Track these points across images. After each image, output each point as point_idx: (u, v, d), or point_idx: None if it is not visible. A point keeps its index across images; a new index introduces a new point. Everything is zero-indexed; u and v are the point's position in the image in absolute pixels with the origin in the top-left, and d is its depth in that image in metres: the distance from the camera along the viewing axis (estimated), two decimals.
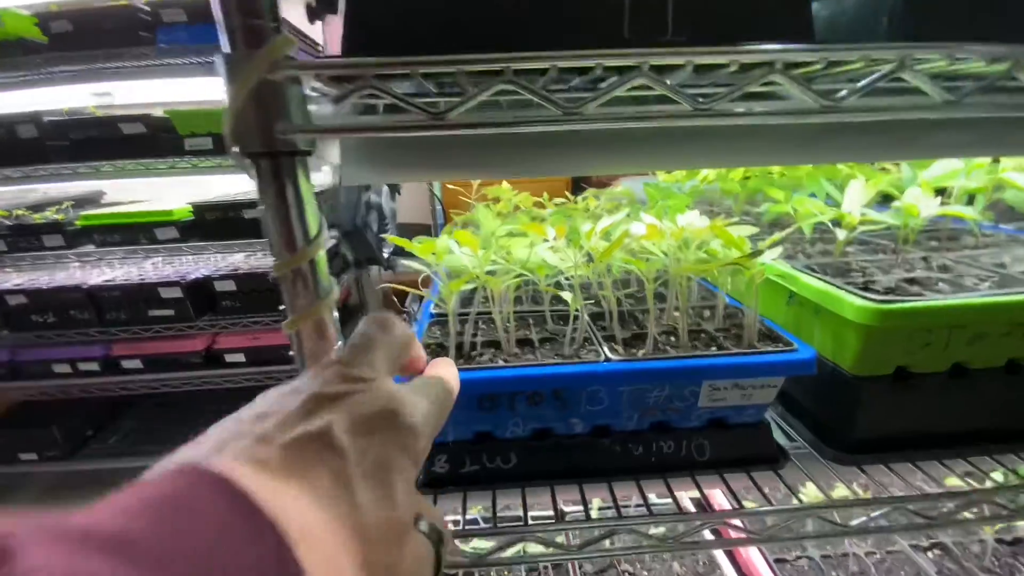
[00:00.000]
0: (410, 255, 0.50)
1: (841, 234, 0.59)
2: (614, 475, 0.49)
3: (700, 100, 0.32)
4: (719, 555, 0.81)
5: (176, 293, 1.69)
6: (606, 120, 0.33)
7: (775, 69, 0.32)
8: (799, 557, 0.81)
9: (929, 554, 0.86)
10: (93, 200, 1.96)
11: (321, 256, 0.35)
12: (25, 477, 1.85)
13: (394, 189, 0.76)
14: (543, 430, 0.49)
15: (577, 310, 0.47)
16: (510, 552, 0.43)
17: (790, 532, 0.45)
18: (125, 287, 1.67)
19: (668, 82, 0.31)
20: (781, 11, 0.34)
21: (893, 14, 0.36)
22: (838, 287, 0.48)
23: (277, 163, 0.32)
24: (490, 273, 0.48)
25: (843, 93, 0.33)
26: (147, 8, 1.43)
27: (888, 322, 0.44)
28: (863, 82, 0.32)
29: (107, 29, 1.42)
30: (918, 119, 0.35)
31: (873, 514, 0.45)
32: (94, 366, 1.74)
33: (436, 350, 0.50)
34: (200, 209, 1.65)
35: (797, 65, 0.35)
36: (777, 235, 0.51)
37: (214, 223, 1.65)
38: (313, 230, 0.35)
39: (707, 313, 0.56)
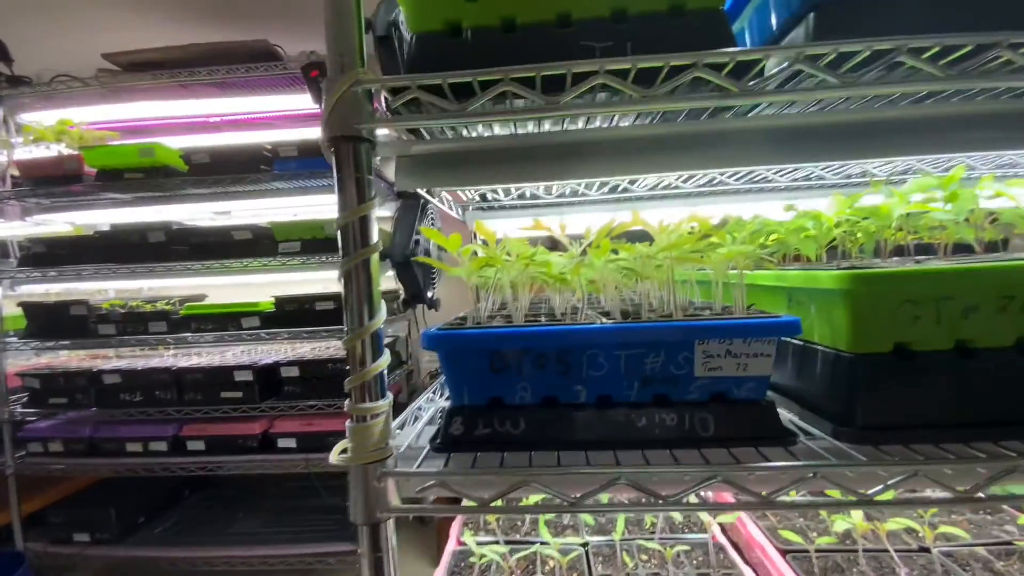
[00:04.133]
0: None
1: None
2: (618, 446, 0.51)
3: (641, 90, 0.44)
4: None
5: (247, 376, 1.86)
6: (576, 107, 0.45)
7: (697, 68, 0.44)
8: None
9: None
10: (197, 299, 2.30)
11: (373, 213, 0.47)
12: (75, 559, 1.89)
13: (441, 248, 0.91)
14: (550, 398, 0.53)
15: (579, 299, 0.55)
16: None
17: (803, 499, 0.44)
18: (206, 370, 1.87)
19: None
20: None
21: None
22: (821, 268, 0.53)
23: (351, 146, 0.46)
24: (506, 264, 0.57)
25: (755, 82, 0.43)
26: (269, 146, 1.86)
27: (866, 287, 0.48)
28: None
29: (236, 161, 1.85)
30: None
31: (891, 481, 0.43)
32: (163, 446, 1.87)
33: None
34: (281, 301, 1.89)
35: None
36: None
37: (291, 313, 1.88)
38: (367, 196, 0.47)
39: (706, 312, 0.61)
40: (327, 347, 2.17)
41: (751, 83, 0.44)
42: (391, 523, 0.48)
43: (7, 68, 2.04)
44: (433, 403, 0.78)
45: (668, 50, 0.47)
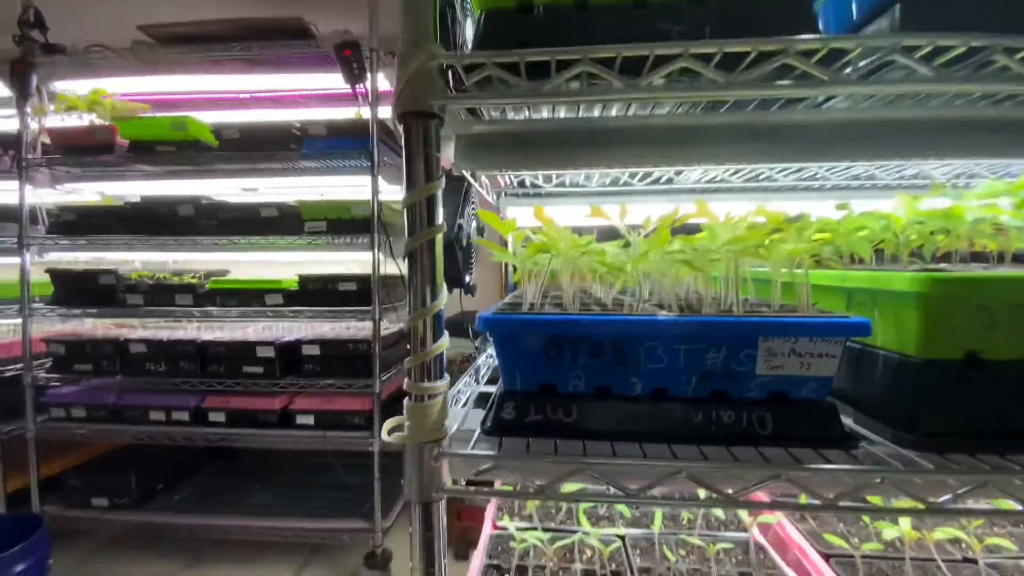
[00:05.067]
0: None
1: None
2: (673, 440, 0.50)
3: (725, 75, 0.42)
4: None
5: (269, 352, 1.88)
6: (658, 91, 0.44)
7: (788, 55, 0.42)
8: None
9: None
10: (220, 274, 2.32)
11: (439, 193, 0.47)
12: (91, 524, 1.93)
13: (480, 230, 0.90)
14: (604, 388, 0.52)
15: (632, 287, 0.54)
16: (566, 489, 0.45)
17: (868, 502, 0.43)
18: (229, 343, 1.89)
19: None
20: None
21: None
22: (890, 270, 0.52)
23: (422, 122, 0.45)
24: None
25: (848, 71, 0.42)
26: (298, 124, 1.86)
27: (942, 290, 0.47)
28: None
29: (265, 138, 1.85)
30: None
31: (961, 490, 0.42)
32: (185, 416, 1.90)
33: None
34: (305, 280, 1.90)
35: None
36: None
37: (314, 292, 1.89)
38: (435, 175, 0.47)
39: (764, 309, 0.60)
40: (347, 327, 2.19)
41: (843, 72, 0.42)
42: (443, 503, 0.48)
43: (42, 35, 2.05)
44: (470, 387, 0.78)
45: (748, 35, 0.45)
